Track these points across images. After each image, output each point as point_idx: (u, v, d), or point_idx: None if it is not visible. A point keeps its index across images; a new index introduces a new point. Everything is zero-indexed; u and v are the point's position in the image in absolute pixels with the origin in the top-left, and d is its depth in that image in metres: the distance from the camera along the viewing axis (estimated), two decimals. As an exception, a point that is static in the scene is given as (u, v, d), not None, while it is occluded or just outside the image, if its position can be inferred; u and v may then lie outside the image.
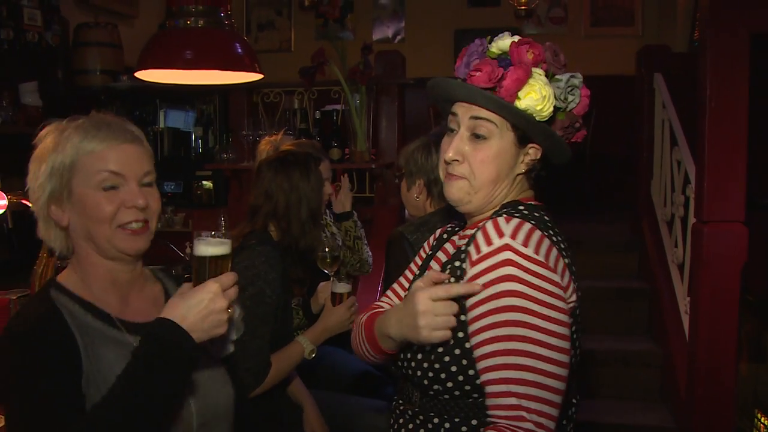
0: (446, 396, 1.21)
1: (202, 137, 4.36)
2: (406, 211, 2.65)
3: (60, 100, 4.03)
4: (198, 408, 1.30)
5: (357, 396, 2.33)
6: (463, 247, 1.24)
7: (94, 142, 1.23)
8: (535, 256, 1.12)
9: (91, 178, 1.23)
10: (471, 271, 1.15)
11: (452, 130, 1.26)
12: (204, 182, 4.21)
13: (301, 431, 2.09)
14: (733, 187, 2.58)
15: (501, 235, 1.13)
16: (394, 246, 2.07)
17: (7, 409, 1.18)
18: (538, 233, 1.16)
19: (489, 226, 1.16)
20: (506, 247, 1.12)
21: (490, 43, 1.23)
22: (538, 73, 1.18)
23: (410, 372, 1.26)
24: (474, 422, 1.20)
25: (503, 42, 1.21)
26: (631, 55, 4.35)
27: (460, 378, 1.18)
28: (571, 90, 1.20)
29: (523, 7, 5.85)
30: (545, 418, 1.08)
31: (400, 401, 1.34)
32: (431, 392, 1.23)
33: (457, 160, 1.23)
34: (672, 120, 3.56)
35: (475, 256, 1.15)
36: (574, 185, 5.39)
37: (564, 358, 1.10)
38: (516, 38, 1.21)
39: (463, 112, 1.23)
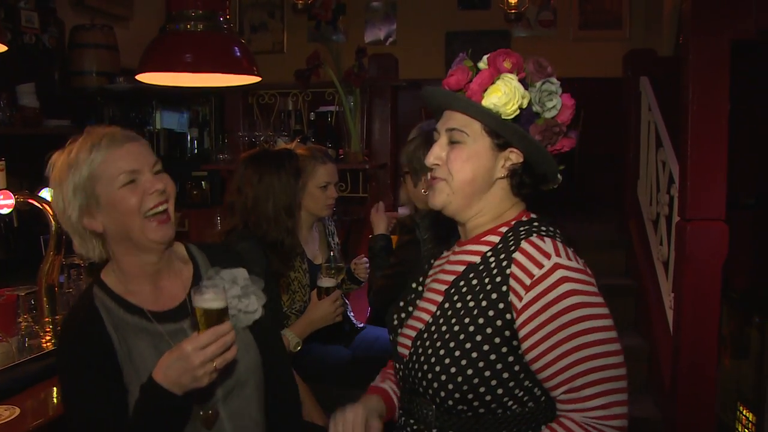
0: (470, 414, 1.23)
1: (197, 138, 4.41)
2: (399, 209, 2.72)
3: (57, 101, 4.07)
4: (221, 379, 1.42)
5: (350, 388, 2.39)
6: (480, 265, 1.28)
7: (101, 152, 1.37)
8: (581, 267, 1.22)
9: (112, 180, 1.37)
10: (529, 294, 1.19)
11: (435, 141, 1.35)
12: (202, 182, 4.26)
13: (301, 423, 2.14)
14: (715, 187, 2.67)
15: (548, 256, 1.20)
16: (411, 247, 2.18)
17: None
18: (563, 244, 1.26)
19: (529, 248, 1.22)
20: (557, 267, 1.19)
21: (471, 57, 1.32)
22: (509, 77, 1.24)
23: (429, 390, 1.26)
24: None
25: (483, 61, 1.30)
26: (619, 59, 4.44)
27: (488, 397, 1.22)
28: (548, 95, 1.25)
29: (512, 11, 5.94)
30: (625, 406, 1.18)
31: (411, 420, 1.33)
32: (453, 411, 1.24)
33: (437, 164, 1.31)
34: (657, 122, 3.65)
35: (528, 281, 1.19)
36: (563, 185, 5.47)
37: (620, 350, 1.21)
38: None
39: (442, 123, 1.32)
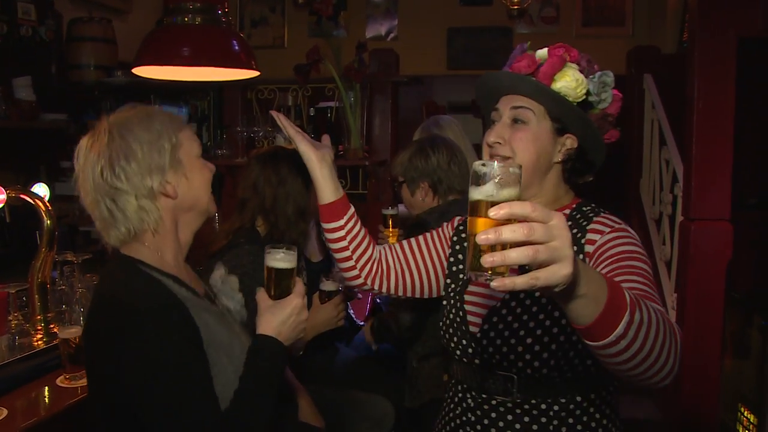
0: (555, 374, 1.30)
1: (196, 133, 4.37)
2: (400, 206, 2.69)
3: (54, 94, 4.02)
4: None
5: (349, 388, 2.37)
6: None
7: (180, 122, 1.44)
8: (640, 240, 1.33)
9: (193, 148, 1.43)
10: (604, 237, 1.30)
11: (494, 122, 1.39)
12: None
13: (297, 423, 2.12)
14: (720, 186, 2.64)
15: (619, 223, 1.34)
16: (419, 230, 2.14)
17: (139, 387, 1.23)
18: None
19: (604, 220, 1.34)
20: (628, 230, 1.33)
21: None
22: (573, 66, 1.32)
23: (505, 362, 1.32)
24: (578, 398, 1.33)
25: (541, 51, 1.36)
26: (622, 55, 4.41)
27: (571, 354, 1.29)
28: (604, 87, 1.34)
29: (515, 7, 5.89)
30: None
31: (484, 395, 1.37)
32: (537, 375, 1.31)
33: (499, 143, 1.35)
34: (661, 120, 3.62)
35: (602, 233, 1.30)
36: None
37: None
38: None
39: (505, 104, 1.37)
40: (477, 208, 0.87)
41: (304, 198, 2.11)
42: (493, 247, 0.81)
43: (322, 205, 1.47)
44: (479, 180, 0.87)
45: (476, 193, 0.87)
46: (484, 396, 1.37)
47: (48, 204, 2.05)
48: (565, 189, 1.43)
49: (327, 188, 1.46)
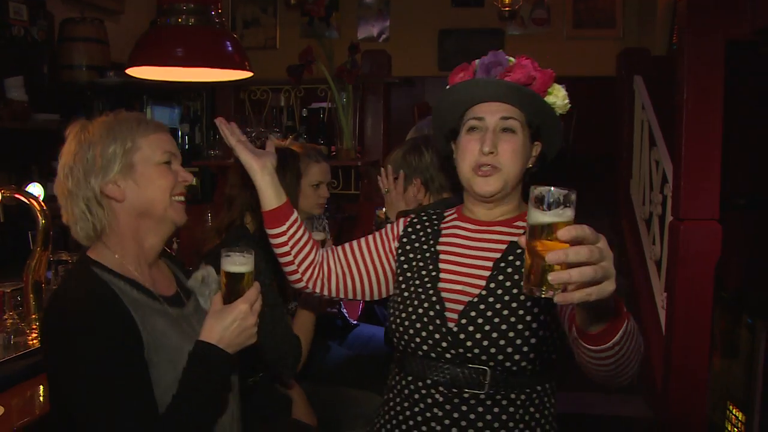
0: (530, 367, 1.37)
1: (188, 134, 4.38)
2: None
3: (46, 95, 4.02)
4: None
5: (343, 386, 2.38)
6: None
7: (148, 129, 1.42)
8: None
9: (153, 154, 1.40)
10: None
11: (474, 128, 1.44)
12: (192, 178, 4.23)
13: (290, 421, 2.13)
14: (709, 187, 2.67)
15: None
16: None
17: (72, 386, 1.26)
18: None
19: None
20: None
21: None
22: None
23: (483, 356, 1.36)
24: (539, 388, 1.41)
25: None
26: (612, 57, 4.44)
27: (532, 355, 1.36)
28: (563, 98, 1.46)
29: (506, 8, 5.93)
30: None
31: (454, 390, 1.39)
32: (514, 368, 1.36)
33: (493, 152, 1.41)
34: (651, 121, 3.66)
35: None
36: (556, 184, 5.47)
37: None
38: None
39: (492, 114, 1.42)
40: (542, 230, 0.97)
41: (290, 195, 2.11)
42: (551, 266, 0.94)
43: (265, 211, 1.52)
44: (542, 204, 0.97)
45: (541, 216, 0.97)
46: (454, 390, 1.39)
47: (43, 204, 2.05)
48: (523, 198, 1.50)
49: (269, 195, 1.50)
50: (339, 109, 3.73)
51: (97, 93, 4.35)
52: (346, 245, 1.62)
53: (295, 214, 1.55)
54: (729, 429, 3.43)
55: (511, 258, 1.42)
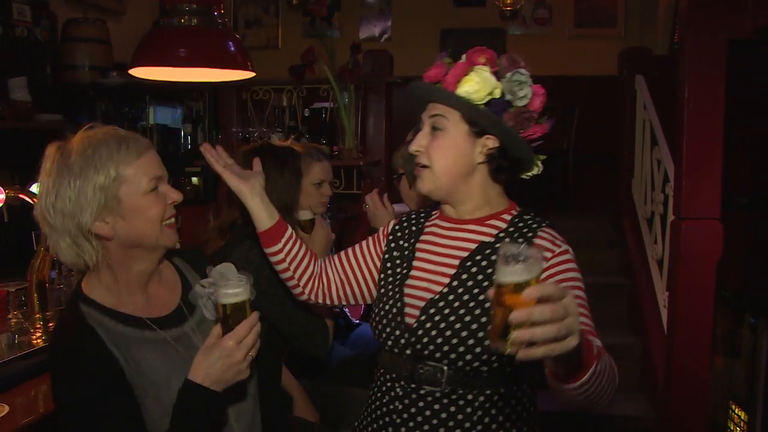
0: (484, 368, 1.36)
1: (191, 134, 4.38)
2: (396, 206, 2.72)
3: (49, 95, 4.03)
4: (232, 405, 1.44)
5: (345, 385, 2.39)
6: (496, 243, 1.43)
7: (130, 154, 1.32)
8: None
9: (139, 185, 1.33)
10: (551, 262, 1.38)
11: (419, 130, 1.47)
12: (192, 179, 4.24)
13: (292, 419, 2.14)
14: (710, 185, 2.67)
15: (563, 242, 1.44)
16: None
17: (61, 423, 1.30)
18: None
19: (548, 235, 1.43)
20: (568, 251, 1.42)
21: (451, 55, 1.45)
22: (482, 69, 1.37)
23: (437, 354, 1.37)
24: (502, 390, 1.40)
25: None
26: (614, 57, 4.44)
27: (493, 357, 1.36)
28: (518, 85, 1.37)
29: (508, 8, 5.93)
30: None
31: (413, 385, 1.41)
32: (468, 368, 1.36)
33: (420, 151, 1.44)
34: (652, 120, 3.66)
35: (549, 255, 1.39)
36: (558, 183, 5.48)
37: None
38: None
39: (425, 113, 1.45)
40: (508, 287, 0.97)
41: (289, 193, 2.12)
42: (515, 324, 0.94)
43: (259, 232, 1.55)
44: (509, 262, 0.97)
45: (507, 274, 0.97)
46: (413, 386, 1.42)
47: (46, 204, 2.06)
48: (497, 191, 1.48)
49: (260, 216, 1.54)
50: (341, 108, 3.74)
51: (99, 93, 4.37)
52: (342, 254, 1.66)
53: (290, 230, 1.58)
54: (732, 428, 3.43)
55: (478, 258, 1.43)
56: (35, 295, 2.04)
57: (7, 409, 1.58)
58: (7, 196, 2.06)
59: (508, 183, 1.49)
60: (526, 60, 1.41)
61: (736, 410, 3.43)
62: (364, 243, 1.65)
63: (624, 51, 4.34)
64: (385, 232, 1.63)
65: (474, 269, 1.42)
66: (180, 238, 3.08)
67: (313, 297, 1.64)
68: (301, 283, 1.62)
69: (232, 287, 1.29)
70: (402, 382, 1.44)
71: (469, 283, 1.40)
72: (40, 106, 3.82)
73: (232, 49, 2.39)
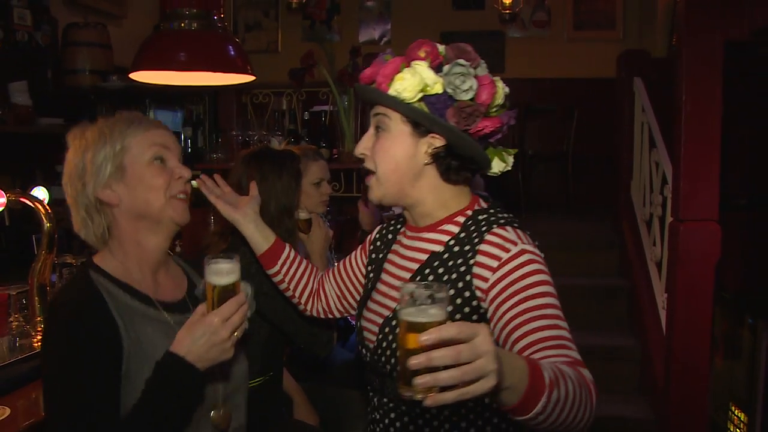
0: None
1: (191, 137, 4.40)
2: (394, 208, 2.73)
3: (49, 99, 4.04)
4: (224, 385, 1.43)
5: (345, 387, 2.40)
6: (445, 253, 1.32)
7: (139, 128, 1.39)
8: (537, 249, 1.28)
9: (143, 153, 1.38)
10: (496, 275, 1.24)
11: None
12: (193, 182, 4.24)
13: (292, 422, 2.15)
14: (708, 188, 2.68)
15: (514, 243, 1.26)
16: None
17: (45, 385, 1.30)
18: (521, 230, 1.31)
19: (494, 239, 1.27)
20: (523, 251, 1.25)
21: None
22: (418, 64, 1.27)
23: (395, 372, 1.32)
24: (470, 404, 1.30)
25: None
26: (613, 59, 4.45)
27: None
28: (459, 77, 1.25)
29: (507, 11, 5.95)
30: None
31: (384, 399, 1.39)
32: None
33: (365, 154, 1.36)
34: (651, 123, 3.67)
35: (495, 264, 1.24)
36: (557, 185, 5.49)
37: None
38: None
39: (372, 112, 1.36)
40: (407, 329, 0.91)
41: (288, 196, 2.13)
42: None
43: (258, 255, 1.60)
44: (408, 302, 0.92)
45: (406, 314, 0.92)
46: (384, 400, 1.40)
47: (47, 207, 2.07)
48: (452, 192, 1.36)
49: (256, 241, 1.58)
50: (341, 112, 3.75)
51: (100, 97, 4.37)
52: (335, 269, 1.66)
53: (287, 250, 1.60)
54: (731, 430, 3.43)
55: (426, 271, 1.33)
56: (36, 298, 2.05)
57: (8, 411, 1.59)
58: (8, 200, 2.07)
59: (464, 182, 1.36)
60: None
61: (736, 411, 3.43)
62: (352, 255, 1.64)
63: (623, 53, 4.35)
64: (370, 240, 1.60)
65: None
66: (180, 240, 3.10)
67: (314, 312, 1.67)
68: (302, 300, 1.66)
69: (221, 265, 1.26)
70: (374, 394, 1.43)
71: None
72: (41, 110, 3.84)
73: (232, 53, 2.40)
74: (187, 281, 1.54)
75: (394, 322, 1.33)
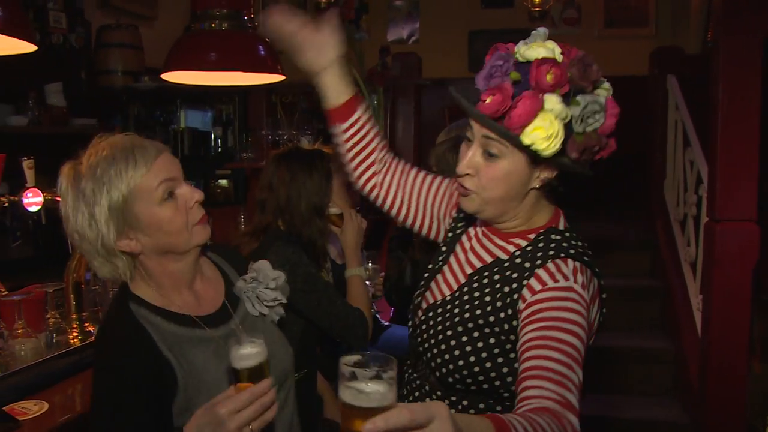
0: (469, 381, 1.29)
1: (221, 137, 4.44)
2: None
3: (83, 100, 4.12)
4: (273, 371, 1.36)
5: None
6: (506, 262, 1.30)
7: (140, 168, 1.26)
8: (587, 299, 1.21)
9: (152, 196, 1.27)
10: (534, 297, 1.20)
11: (469, 140, 1.28)
12: (221, 181, 4.29)
13: (323, 420, 2.15)
14: (746, 187, 2.62)
15: (566, 278, 1.21)
16: None
17: (90, 421, 1.27)
18: (587, 272, 1.25)
19: (552, 268, 1.22)
20: (570, 289, 1.20)
21: (519, 47, 1.21)
22: (553, 101, 1.15)
23: (431, 362, 1.33)
24: (491, 401, 1.30)
25: (530, 52, 1.18)
26: (645, 56, 4.38)
27: (481, 378, 1.27)
28: (592, 114, 1.17)
29: (536, 9, 5.89)
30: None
31: (417, 378, 1.41)
32: (450, 379, 1.31)
33: (469, 174, 1.26)
34: (685, 121, 3.60)
35: (539, 287, 1.21)
36: (589, 185, 5.42)
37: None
38: (548, 47, 1.19)
39: (478, 128, 1.24)
40: (350, 412, 0.79)
41: (318, 195, 2.14)
42: None
43: (331, 107, 1.48)
44: (350, 381, 0.80)
45: (346, 396, 0.79)
46: (414, 375, 1.42)
47: (82, 206, 2.10)
48: (544, 209, 1.33)
49: (336, 90, 1.46)
50: (370, 111, 3.75)
51: (132, 97, 4.44)
52: (417, 177, 1.55)
53: (355, 116, 1.48)
54: (768, 434, 3.36)
55: (485, 274, 1.32)
56: (72, 295, 2.09)
57: (46, 406, 1.62)
58: (45, 199, 2.10)
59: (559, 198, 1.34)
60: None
61: (774, 417, 3.36)
62: (443, 188, 1.53)
63: (655, 51, 4.29)
64: (453, 198, 1.51)
65: (476, 285, 1.32)
66: (210, 240, 3.12)
67: (366, 189, 1.56)
68: (358, 171, 1.53)
69: (244, 350, 1.18)
70: (410, 369, 1.46)
71: (466, 297, 1.32)
72: (75, 111, 3.91)
73: (262, 52, 2.41)
74: (223, 281, 1.49)
75: (440, 309, 1.35)
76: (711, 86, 2.71)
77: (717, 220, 2.68)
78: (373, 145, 1.51)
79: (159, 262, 1.32)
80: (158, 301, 1.33)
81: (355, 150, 1.51)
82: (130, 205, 1.26)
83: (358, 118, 1.48)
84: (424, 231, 1.57)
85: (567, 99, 1.16)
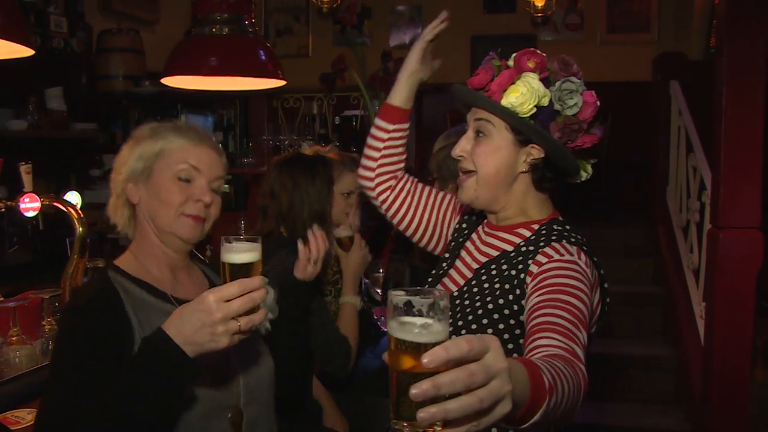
0: None
1: (222, 142, 4.43)
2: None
3: (84, 104, 4.11)
4: (245, 383, 1.41)
5: (374, 395, 2.37)
6: (512, 252, 1.37)
7: (182, 138, 1.42)
8: (589, 270, 1.28)
9: (172, 166, 1.40)
10: (541, 268, 1.27)
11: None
12: (226, 186, 4.27)
13: (321, 429, 2.13)
14: (749, 193, 2.60)
15: (570, 254, 1.29)
16: None
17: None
18: (588, 260, 1.31)
19: (557, 246, 1.31)
20: (574, 263, 1.27)
21: (500, 56, 1.38)
22: (530, 76, 1.31)
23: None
24: None
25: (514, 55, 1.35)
26: (648, 62, 4.37)
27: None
28: (568, 94, 1.30)
29: (539, 14, 5.90)
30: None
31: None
32: None
33: (463, 156, 1.39)
34: (688, 127, 3.59)
35: (545, 260, 1.28)
36: (591, 190, 5.40)
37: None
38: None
39: (470, 116, 1.40)
40: (403, 349, 0.74)
41: (320, 202, 2.13)
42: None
43: (388, 105, 1.62)
44: (401, 313, 0.75)
45: (401, 331, 0.74)
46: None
47: (80, 212, 2.09)
48: (537, 200, 1.41)
49: (395, 93, 1.61)
50: (372, 116, 3.74)
51: (132, 102, 4.44)
52: (424, 190, 1.66)
53: (406, 126, 1.62)
54: (772, 443, 3.33)
55: (492, 266, 1.38)
56: (69, 302, 2.07)
57: (40, 415, 1.60)
58: (42, 204, 2.09)
59: (552, 191, 1.42)
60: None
61: (777, 425, 3.33)
62: (446, 200, 1.64)
63: (659, 56, 4.27)
64: (458, 209, 1.62)
65: (484, 277, 1.38)
66: (211, 245, 3.10)
67: (375, 192, 1.65)
68: (376, 172, 1.64)
69: (239, 243, 1.14)
70: None
71: (475, 290, 1.38)
72: (75, 116, 3.90)
73: (263, 57, 2.40)
74: (208, 286, 1.50)
75: (457, 301, 1.38)
76: (714, 92, 2.69)
77: (720, 227, 2.66)
78: (401, 157, 1.65)
79: (148, 228, 1.43)
80: (138, 272, 1.41)
81: (388, 151, 1.63)
82: (154, 158, 1.40)
83: (405, 129, 1.63)
84: (424, 242, 1.66)
85: (547, 82, 1.32)
